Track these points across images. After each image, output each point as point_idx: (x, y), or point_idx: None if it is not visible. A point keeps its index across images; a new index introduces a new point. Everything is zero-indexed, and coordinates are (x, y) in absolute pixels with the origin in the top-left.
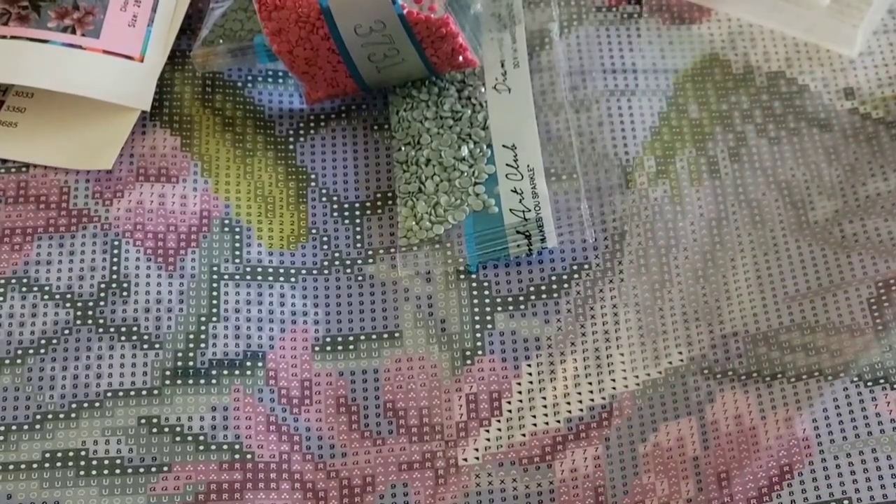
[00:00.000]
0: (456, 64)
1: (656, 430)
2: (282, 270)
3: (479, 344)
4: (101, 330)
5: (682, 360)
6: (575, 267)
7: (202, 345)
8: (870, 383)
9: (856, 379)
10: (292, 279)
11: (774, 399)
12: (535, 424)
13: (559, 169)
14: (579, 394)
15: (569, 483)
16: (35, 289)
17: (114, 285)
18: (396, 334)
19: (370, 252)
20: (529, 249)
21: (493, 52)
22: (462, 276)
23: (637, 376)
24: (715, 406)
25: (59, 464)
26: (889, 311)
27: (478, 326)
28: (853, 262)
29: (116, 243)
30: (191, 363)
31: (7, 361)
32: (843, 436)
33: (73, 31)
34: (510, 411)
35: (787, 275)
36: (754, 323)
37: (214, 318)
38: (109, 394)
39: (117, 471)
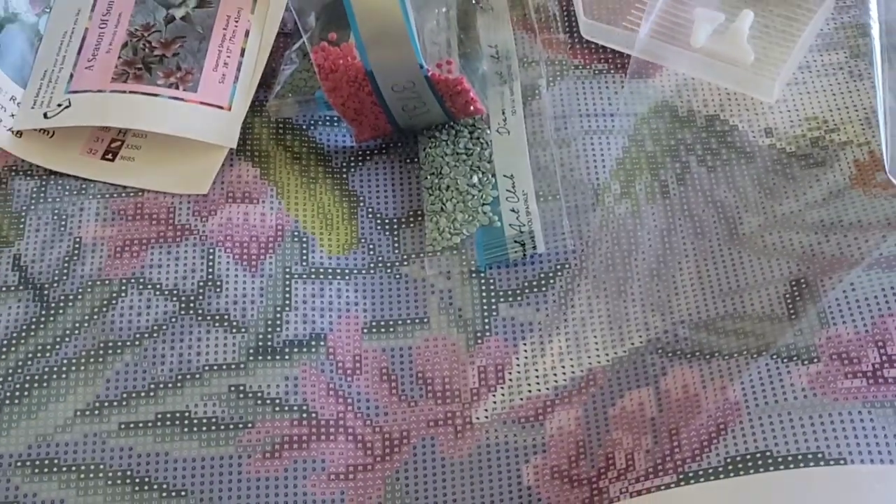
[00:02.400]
0: (468, 112)
1: (622, 396)
2: (339, 271)
3: (486, 327)
4: (199, 318)
5: (641, 342)
6: (558, 267)
7: (278, 329)
8: (786, 360)
9: (775, 356)
10: (347, 277)
11: (713, 372)
12: (530, 391)
13: (546, 192)
14: (563, 367)
15: (556, 438)
16: (149, 286)
17: (209, 283)
18: (425, 319)
19: (405, 256)
20: (524, 254)
21: (496, 102)
22: (474, 275)
23: (607, 354)
24: (667, 378)
25: (168, 422)
26: (800, 304)
27: (486, 313)
28: (773, 266)
29: (211, 251)
30: (269, 343)
31: (128, 343)
32: (766, 401)
33: (177, 87)
34: (511, 380)
35: (722, 275)
36: (697, 313)
37: (287, 308)
38: (207, 367)
39: (213, 427)
